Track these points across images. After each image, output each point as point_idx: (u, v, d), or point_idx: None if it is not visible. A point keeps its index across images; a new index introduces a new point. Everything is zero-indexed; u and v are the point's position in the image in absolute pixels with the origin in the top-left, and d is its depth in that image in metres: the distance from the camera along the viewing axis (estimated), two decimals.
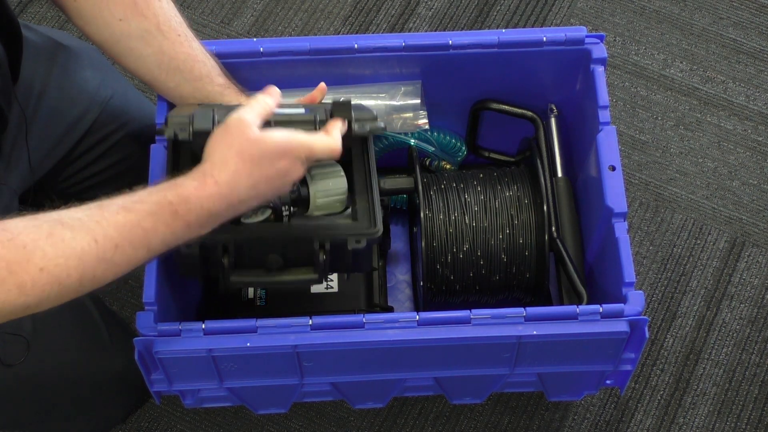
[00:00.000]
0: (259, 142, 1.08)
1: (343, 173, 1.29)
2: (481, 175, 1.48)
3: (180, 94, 1.31)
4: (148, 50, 1.27)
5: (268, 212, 1.24)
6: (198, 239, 1.15)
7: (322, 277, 1.26)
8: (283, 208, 1.24)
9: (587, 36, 1.42)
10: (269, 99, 1.16)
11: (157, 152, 1.34)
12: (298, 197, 1.27)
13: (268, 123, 1.16)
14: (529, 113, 1.51)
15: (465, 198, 1.44)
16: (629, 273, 1.28)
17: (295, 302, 1.47)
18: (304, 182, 1.27)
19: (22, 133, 1.37)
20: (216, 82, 1.31)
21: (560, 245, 1.41)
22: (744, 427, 1.60)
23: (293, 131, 1.12)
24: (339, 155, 1.17)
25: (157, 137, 1.35)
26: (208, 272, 1.26)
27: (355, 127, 1.19)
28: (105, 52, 1.32)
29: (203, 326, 1.24)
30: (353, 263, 1.26)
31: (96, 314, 1.47)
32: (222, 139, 1.08)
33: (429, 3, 1.97)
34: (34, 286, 0.97)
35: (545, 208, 1.41)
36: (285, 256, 1.25)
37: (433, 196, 1.45)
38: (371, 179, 1.30)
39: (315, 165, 1.28)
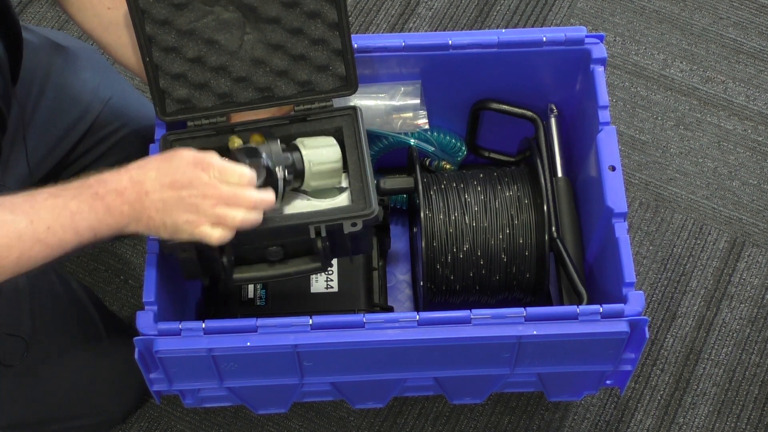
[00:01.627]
0: (175, 150, 1.14)
1: (336, 143, 1.29)
2: (481, 175, 1.48)
3: None
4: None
5: (263, 174, 1.22)
6: (192, 242, 1.17)
7: (325, 265, 1.25)
8: (277, 170, 1.22)
9: (587, 36, 1.42)
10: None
11: (157, 152, 1.34)
12: (293, 165, 1.25)
13: None
14: (529, 113, 1.51)
15: (465, 198, 1.44)
16: (629, 273, 1.28)
17: (295, 302, 1.47)
18: (297, 151, 1.26)
19: (20, 135, 1.37)
20: None
21: (560, 245, 1.41)
22: (744, 427, 1.60)
23: (219, 158, 1.15)
24: (250, 182, 1.16)
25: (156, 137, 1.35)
26: (212, 272, 1.26)
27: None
28: (95, 41, 1.32)
29: (203, 325, 1.24)
30: (353, 246, 1.26)
31: (95, 314, 1.47)
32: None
33: (429, 3, 1.97)
34: None
35: (545, 208, 1.41)
36: (285, 248, 1.25)
37: (433, 196, 1.45)
38: (364, 159, 1.29)
39: (307, 137, 1.29)
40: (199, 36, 1.25)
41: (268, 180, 1.22)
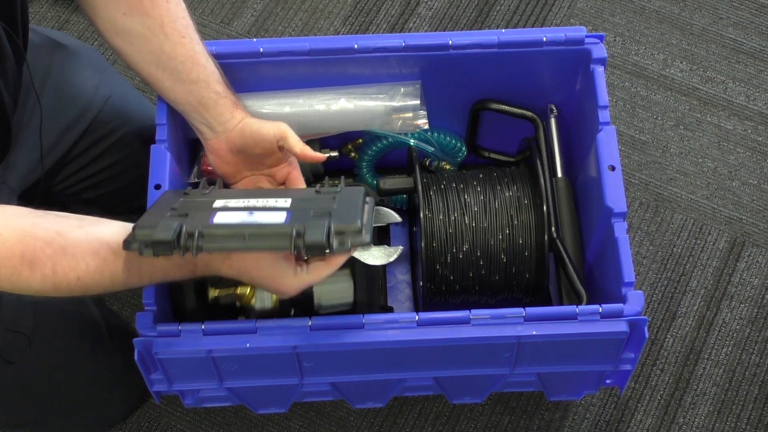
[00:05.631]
0: (274, 273, 1.14)
1: (350, 279, 1.34)
2: (481, 175, 1.48)
3: (174, 95, 1.31)
4: (148, 47, 1.27)
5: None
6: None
7: None
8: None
9: (587, 36, 1.42)
10: None
11: (158, 152, 1.34)
12: (302, 305, 1.33)
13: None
14: (529, 113, 1.51)
15: (465, 198, 1.44)
16: (629, 273, 1.28)
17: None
18: (310, 297, 1.34)
19: (22, 132, 1.37)
20: (212, 89, 1.30)
21: (560, 245, 1.41)
22: (744, 427, 1.60)
23: (307, 283, 1.17)
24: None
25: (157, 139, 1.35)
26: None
27: (335, 245, 1.07)
28: (107, 42, 1.32)
29: (203, 327, 1.24)
30: None
31: (97, 314, 1.48)
32: (258, 262, 1.14)
33: (429, 3, 1.97)
34: (67, 288, 1.08)
35: (545, 208, 1.41)
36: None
37: (433, 196, 1.45)
38: (372, 282, 1.36)
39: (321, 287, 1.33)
40: None
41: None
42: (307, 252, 1.05)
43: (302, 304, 1.33)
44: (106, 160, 1.50)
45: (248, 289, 1.31)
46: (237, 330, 1.24)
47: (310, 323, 1.24)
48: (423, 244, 1.43)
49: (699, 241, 1.74)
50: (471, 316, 1.25)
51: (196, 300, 1.31)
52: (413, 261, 1.61)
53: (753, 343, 1.66)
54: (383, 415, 1.61)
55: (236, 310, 1.34)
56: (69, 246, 1.06)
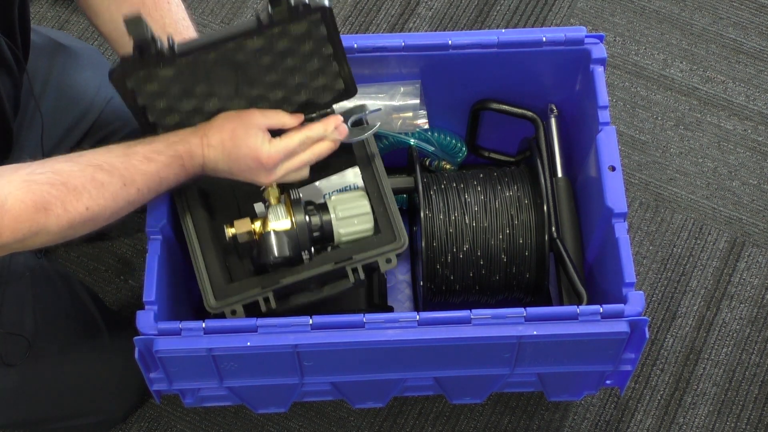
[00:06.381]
0: (249, 142, 1.21)
1: (367, 203, 1.32)
2: (481, 175, 1.48)
3: None
4: None
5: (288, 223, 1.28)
6: (239, 300, 1.28)
7: (357, 284, 1.31)
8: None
9: (587, 36, 1.42)
10: (291, 121, 1.26)
11: None
12: (321, 230, 1.30)
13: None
14: (529, 113, 1.51)
15: (465, 198, 1.44)
16: (629, 273, 1.28)
17: None
18: (326, 211, 1.31)
19: (23, 135, 1.38)
20: None
21: (560, 245, 1.41)
22: (744, 427, 1.60)
23: (283, 149, 1.22)
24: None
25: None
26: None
27: None
28: (110, 45, 1.32)
29: (203, 325, 1.24)
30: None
31: (96, 314, 1.48)
32: (232, 115, 1.23)
33: (429, 3, 1.97)
34: (80, 221, 1.13)
35: (545, 208, 1.41)
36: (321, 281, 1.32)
37: (433, 196, 1.45)
38: (383, 184, 1.33)
39: (338, 197, 1.34)
40: (193, 94, 1.24)
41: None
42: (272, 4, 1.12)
43: (320, 228, 1.31)
44: None
45: (259, 223, 1.29)
46: (238, 328, 1.24)
47: (310, 322, 1.24)
48: (423, 244, 1.43)
49: (699, 241, 1.74)
50: (472, 316, 1.25)
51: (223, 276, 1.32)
52: (413, 261, 1.61)
53: (753, 343, 1.66)
54: (383, 415, 1.61)
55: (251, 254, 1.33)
56: (69, 181, 1.11)
